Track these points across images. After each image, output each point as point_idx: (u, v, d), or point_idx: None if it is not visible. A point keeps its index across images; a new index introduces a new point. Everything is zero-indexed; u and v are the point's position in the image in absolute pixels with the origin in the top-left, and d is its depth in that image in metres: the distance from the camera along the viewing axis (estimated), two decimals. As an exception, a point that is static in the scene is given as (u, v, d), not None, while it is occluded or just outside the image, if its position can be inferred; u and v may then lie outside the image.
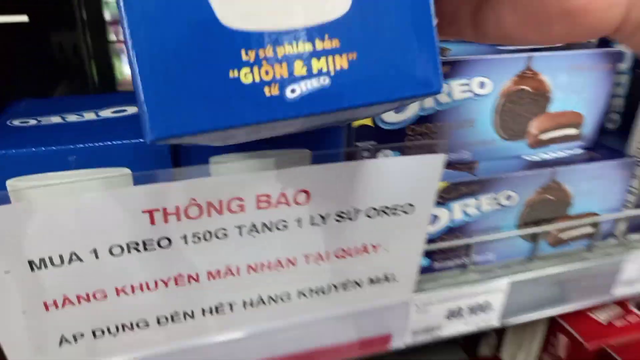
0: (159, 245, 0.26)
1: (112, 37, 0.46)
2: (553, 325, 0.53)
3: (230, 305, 0.30)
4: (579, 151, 0.39)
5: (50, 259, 0.24)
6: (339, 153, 0.30)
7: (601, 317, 0.52)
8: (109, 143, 0.25)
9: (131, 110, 0.31)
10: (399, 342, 0.37)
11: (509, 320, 0.40)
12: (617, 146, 0.40)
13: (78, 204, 0.23)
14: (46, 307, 0.26)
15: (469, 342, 0.68)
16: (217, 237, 0.27)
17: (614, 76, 0.37)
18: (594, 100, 0.37)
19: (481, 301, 0.38)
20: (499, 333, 0.63)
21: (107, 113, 0.30)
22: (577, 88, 0.36)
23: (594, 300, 0.43)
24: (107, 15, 0.46)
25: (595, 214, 0.39)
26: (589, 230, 0.40)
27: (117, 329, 0.28)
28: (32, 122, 0.28)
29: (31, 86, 0.44)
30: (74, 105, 0.31)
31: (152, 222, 0.25)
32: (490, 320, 0.40)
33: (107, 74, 0.48)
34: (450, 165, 0.35)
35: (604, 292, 0.43)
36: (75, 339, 0.27)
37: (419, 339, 0.38)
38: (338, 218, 0.29)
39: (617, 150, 0.39)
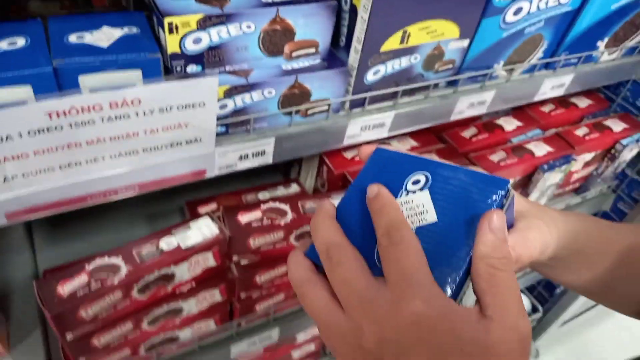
0: (55, 129, 0.48)
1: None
2: (321, 160, 0.85)
3: (103, 158, 0.54)
4: (318, 62, 0.64)
5: (-4, 139, 0.46)
6: (160, 73, 0.52)
7: (349, 155, 0.84)
8: (19, 72, 0.45)
9: (20, 42, 0.49)
10: (211, 173, 0.65)
11: (279, 159, 0.69)
12: (345, 58, 0.66)
13: (9, 109, 0.44)
14: (-5, 163, 0.48)
15: (285, 169, 1.00)
16: (89, 124, 0.50)
17: (336, 17, 0.61)
18: (323, 31, 0.62)
19: (260, 150, 0.66)
20: (299, 163, 0.95)
21: (4, 45, 0.48)
22: (311, 26, 0.60)
23: (334, 146, 0.74)
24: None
25: (328, 99, 0.67)
26: (325, 108, 0.68)
27: (38, 172, 0.51)
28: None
29: None
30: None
31: (50, 118, 0.47)
32: (267, 159, 0.68)
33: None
34: (233, 73, 0.59)
35: (338, 142, 0.73)
36: (13, 178, 0.50)
37: (223, 171, 0.66)
38: (160, 111, 0.53)
39: (342, 60, 0.66)
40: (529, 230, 0.34)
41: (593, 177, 1.15)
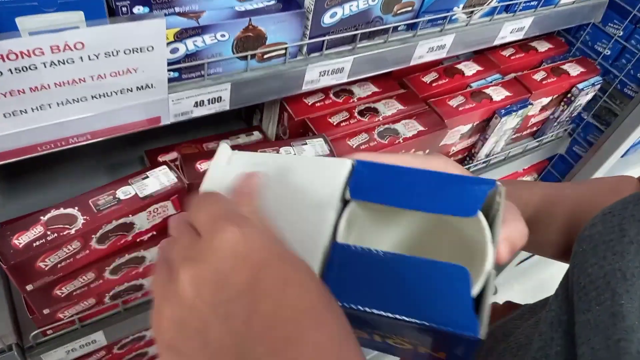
0: (-6, 75, 0.46)
1: None
2: (282, 106, 0.84)
3: (49, 105, 0.52)
4: (273, 3, 0.62)
5: None
6: (104, 15, 0.50)
7: (309, 101, 0.84)
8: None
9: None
10: (166, 121, 0.64)
11: (237, 105, 0.68)
12: (301, -2, 0.64)
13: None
14: None
15: (247, 116, 0.99)
16: (31, 69, 0.47)
17: (290, -44, 0.59)
18: (277, -29, 0.59)
19: (215, 96, 0.65)
20: (261, 111, 0.94)
21: None
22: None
23: (293, 92, 0.73)
24: None
25: (284, 43, 0.65)
26: (282, 52, 0.66)
27: (-21, 121, 0.49)
28: None
29: None
30: None
31: (-13, 63, 0.44)
32: (225, 106, 0.67)
33: None
34: (182, 14, 0.57)
35: (297, 87, 0.72)
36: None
37: (178, 119, 0.64)
38: (106, 55, 0.51)
39: (298, 2, 0.64)
40: (517, 220, 0.37)
41: (550, 121, 1.19)
